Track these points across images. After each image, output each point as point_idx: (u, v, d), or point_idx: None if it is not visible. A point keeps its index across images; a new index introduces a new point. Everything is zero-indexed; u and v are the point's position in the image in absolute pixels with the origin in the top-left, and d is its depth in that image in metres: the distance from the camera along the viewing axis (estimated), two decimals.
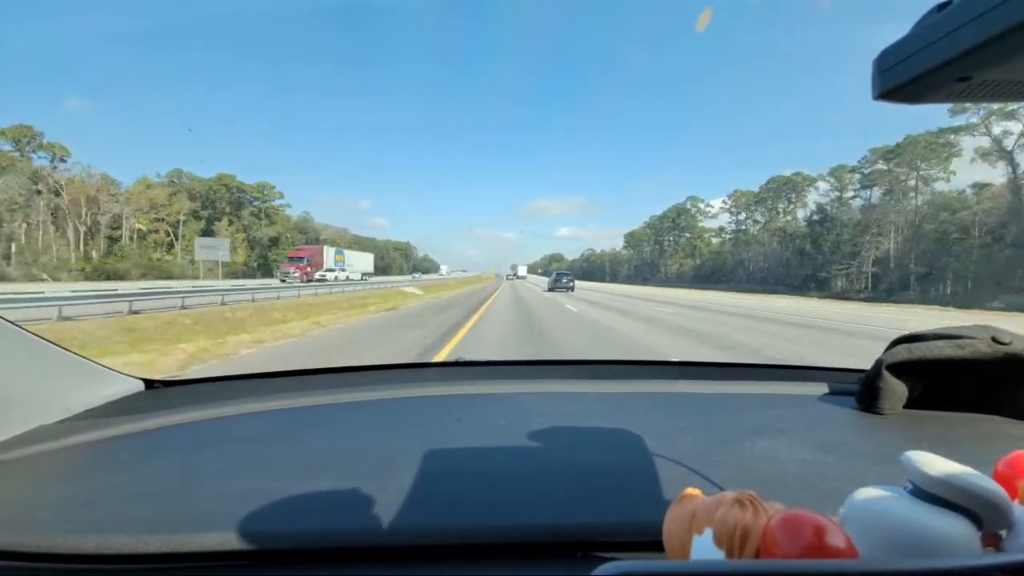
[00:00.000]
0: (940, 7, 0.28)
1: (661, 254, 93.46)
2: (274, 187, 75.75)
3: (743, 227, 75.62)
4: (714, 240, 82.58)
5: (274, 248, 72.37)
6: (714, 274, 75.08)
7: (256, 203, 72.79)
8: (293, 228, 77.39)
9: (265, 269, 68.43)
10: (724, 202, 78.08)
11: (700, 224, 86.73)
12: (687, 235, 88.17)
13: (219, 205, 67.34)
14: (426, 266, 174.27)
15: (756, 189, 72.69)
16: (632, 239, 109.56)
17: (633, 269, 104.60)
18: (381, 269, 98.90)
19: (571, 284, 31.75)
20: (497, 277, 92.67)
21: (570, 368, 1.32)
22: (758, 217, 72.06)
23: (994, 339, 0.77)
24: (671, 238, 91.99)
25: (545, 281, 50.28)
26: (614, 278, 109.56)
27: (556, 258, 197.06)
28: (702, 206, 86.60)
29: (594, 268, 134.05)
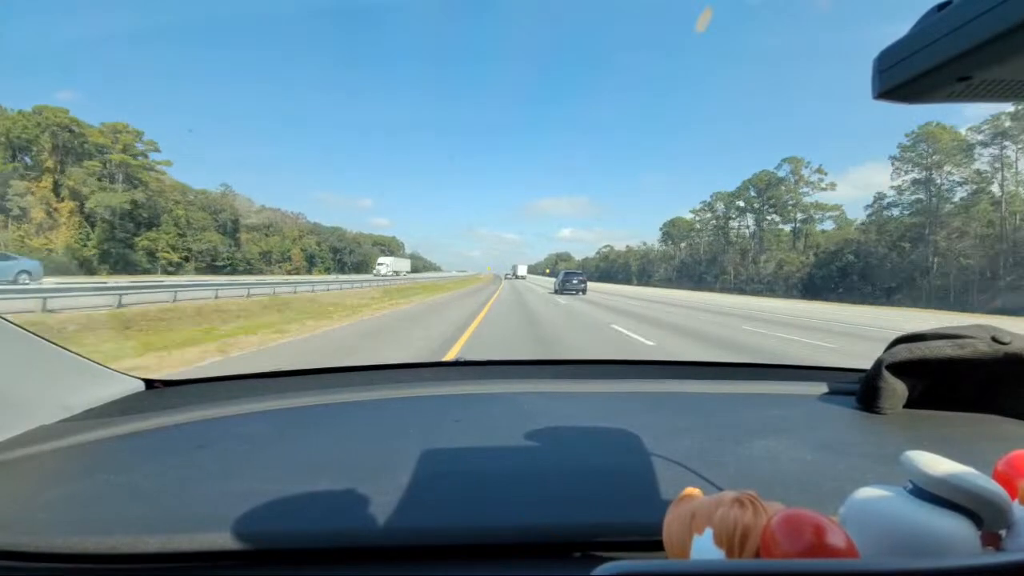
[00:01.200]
0: (940, 7, 0.28)
1: (725, 248, 65.65)
2: (141, 132, 45.90)
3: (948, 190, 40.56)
4: (828, 225, 53.02)
5: (146, 230, 44.55)
6: (845, 277, 44.13)
7: (103, 154, 43.44)
8: (192, 203, 51.72)
9: (124, 262, 41.76)
10: (903, 148, 44.36)
11: (807, 199, 56.24)
12: (775, 218, 59.15)
13: (38, 155, 40.42)
14: (414, 265, 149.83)
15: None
16: (675, 229, 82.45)
17: (677, 269, 78.81)
18: (354, 267, 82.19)
19: (583, 286, 26.92)
20: (496, 277, 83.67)
21: (570, 368, 1.32)
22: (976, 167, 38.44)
23: (994, 339, 0.77)
24: (748, 223, 63.56)
25: (550, 282, 44.35)
26: (645, 280, 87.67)
27: (563, 257, 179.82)
28: (807, 173, 56.12)
29: (614, 268, 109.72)
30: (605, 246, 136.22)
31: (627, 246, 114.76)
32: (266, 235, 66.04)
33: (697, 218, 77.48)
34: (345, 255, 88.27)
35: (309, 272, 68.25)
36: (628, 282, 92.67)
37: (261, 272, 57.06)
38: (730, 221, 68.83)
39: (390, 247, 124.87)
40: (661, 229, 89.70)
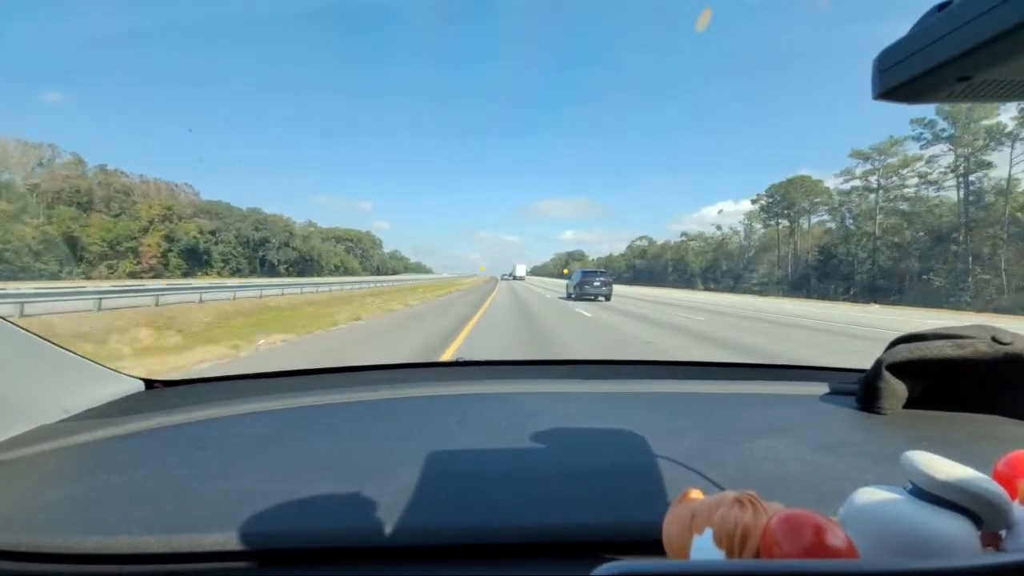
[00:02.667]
0: (940, 7, 0.28)
1: (965, 222, 32.99)
2: None
3: None
4: None
5: None
6: None
7: None
8: None
9: None
10: None
11: None
12: None
13: None
14: (393, 266, 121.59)
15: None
16: (796, 194, 49.10)
17: (813, 269, 44.71)
18: (295, 268, 57.43)
19: (606, 289, 20.53)
20: (492, 279, 74.94)
21: (570, 368, 1.32)
22: None
23: (994, 339, 0.77)
24: None
25: (560, 284, 36.26)
26: (724, 283, 59.42)
27: (576, 256, 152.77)
28: None
29: (658, 267, 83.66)
30: (640, 238, 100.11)
31: (684, 234, 79.86)
32: (83, 210, 38.73)
33: (861, 167, 39.81)
34: (271, 250, 57.74)
35: (189, 273, 42.17)
36: (688, 286, 63.05)
37: (30, 274, 31.66)
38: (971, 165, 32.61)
39: (360, 244, 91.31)
40: (757, 202, 54.51)
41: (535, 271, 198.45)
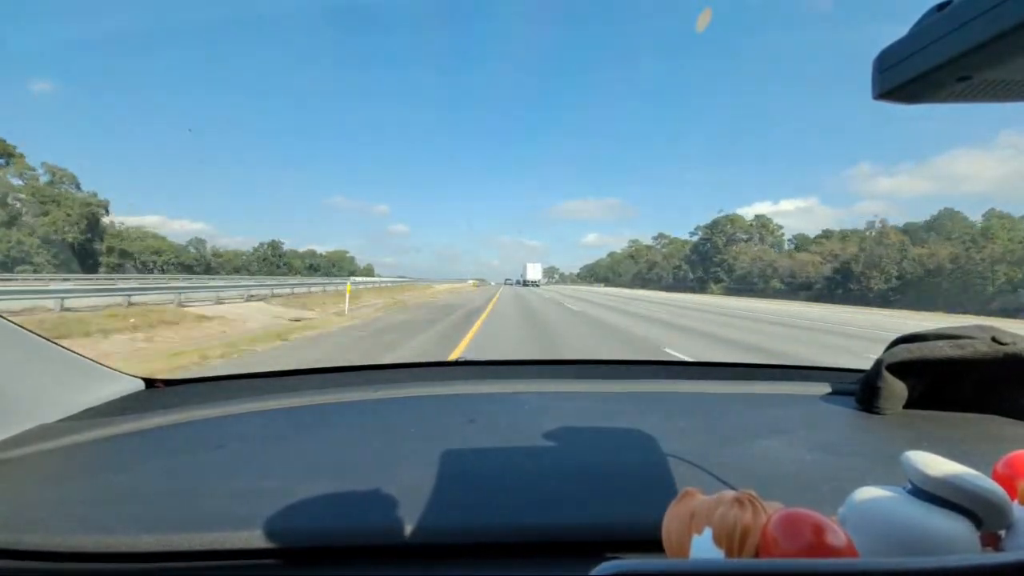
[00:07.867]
0: (940, 7, 0.28)
1: None
2: None
3: None
4: None
5: None
6: None
7: None
8: None
9: None
10: None
11: None
12: None
13: None
14: (165, 258, 52.46)
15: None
16: None
17: None
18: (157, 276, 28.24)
19: None
20: (482, 285, 56.57)
21: (571, 368, 1.32)
22: None
23: (994, 339, 0.77)
24: None
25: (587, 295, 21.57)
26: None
27: (717, 225, 70.22)
28: None
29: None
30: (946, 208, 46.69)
31: None
32: None
33: None
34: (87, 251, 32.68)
35: None
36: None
37: None
38: None
39: (205, 258, 46.82)
40: None
41: (585, 273, 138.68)
